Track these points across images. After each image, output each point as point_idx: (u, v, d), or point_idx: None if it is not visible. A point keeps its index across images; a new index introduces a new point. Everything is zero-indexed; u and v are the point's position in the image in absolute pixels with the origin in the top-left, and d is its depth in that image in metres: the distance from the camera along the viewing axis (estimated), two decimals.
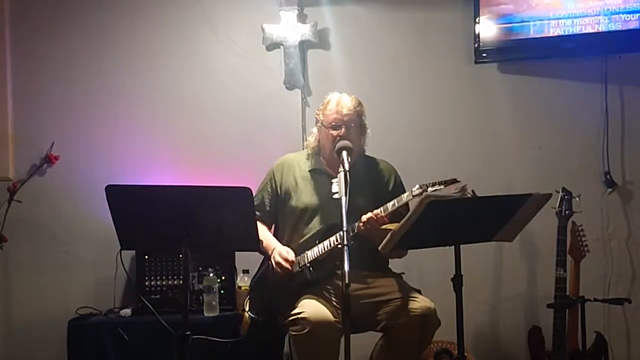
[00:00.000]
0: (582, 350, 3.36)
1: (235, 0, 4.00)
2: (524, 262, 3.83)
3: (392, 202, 2.87)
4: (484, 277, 3.83)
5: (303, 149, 3.42)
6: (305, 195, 3.14)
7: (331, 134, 3.06)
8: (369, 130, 3.16)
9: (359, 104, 3.13)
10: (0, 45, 3.94)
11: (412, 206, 2.80)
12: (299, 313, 2.87)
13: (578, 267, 3.41)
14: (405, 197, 2.85)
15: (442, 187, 2.74)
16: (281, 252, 3.03)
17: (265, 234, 3.14)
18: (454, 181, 2.74)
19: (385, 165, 3.23)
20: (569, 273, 3.38)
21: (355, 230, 2.88)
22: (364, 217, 2.87)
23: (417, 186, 2.80)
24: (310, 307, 2.89)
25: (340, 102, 3.10)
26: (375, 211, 2.87)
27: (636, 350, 3.75)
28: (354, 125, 3.09)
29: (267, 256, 3.12)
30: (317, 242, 3.01)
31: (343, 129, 3.05)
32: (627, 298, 3.52)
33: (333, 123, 3.07)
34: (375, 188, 3.11)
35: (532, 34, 3.73)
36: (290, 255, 3.02)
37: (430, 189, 2.75)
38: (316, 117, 3.19)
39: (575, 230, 3.43)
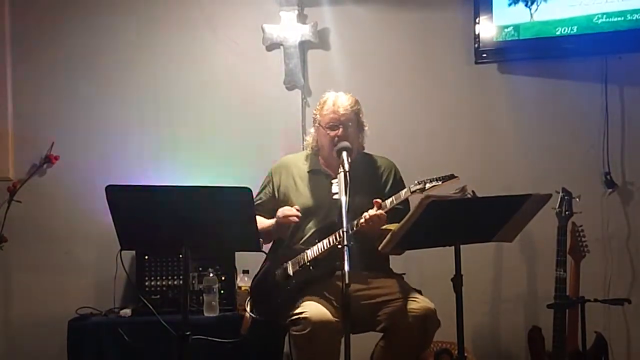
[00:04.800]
0: (582, 351, 3.35)
1: (235, 0, 4.00)
2: (524, 262, 3.83)
3: (390, 199, 2.87)
4: (484, 277, 3.83)
5: (303, 149, 3.42)
6: (304, 196, 3.14)
7: (329, 134, 3.07)
8: (366, 128, 3.16)
9: (356, 102, 3.13)
10: (0, 45, 3.94)
11: (412, 202, 2.80)
12: (300, 313, 2.87)
13: (578, 268, 3.41)
14: (403, 193, 2.85)
15: (440, 182, 2.74)
16: (283, 210, 3.05)
17: (261, 223, 3.10)
18: (452, 177, 2.73)
19: (384, 161, 3.23)
20: (569, 273, 3.38)
21: (355, 228, 2.88)
22: (366, 215, 2.87)
23: (415, 182, 2.80)
24: (311, 308, 2.89)
25: (337, 102, 3.10)
26: (372, 210, 2.86)
27: (636, 350, 3.75)
28: (352, 124, 3.09)
29: (273, 232, 3.12)
30: (316, 241, 3.02)
31: (340, 129, 3.05)
32: (627, 298, 3.51)
33: (330, 123, 3.07)
34: (375, 186, 3.10)
35: (532, 34, 3.73)
36: (290, 208, 3.05)
37: (428, 184, 2.75)
38: (314, 117, 3.19)
39: (575, 231, 3.43)
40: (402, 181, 3.17)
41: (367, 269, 3.02)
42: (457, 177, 2.73)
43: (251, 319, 3.15)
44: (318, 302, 2.93)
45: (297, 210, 3.05)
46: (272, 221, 3.12)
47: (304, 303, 2.93)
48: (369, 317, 2.94)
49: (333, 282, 2.98)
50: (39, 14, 3.99)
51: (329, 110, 3.09)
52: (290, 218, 3.03)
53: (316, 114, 3.17)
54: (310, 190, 3.15)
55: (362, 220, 2.87)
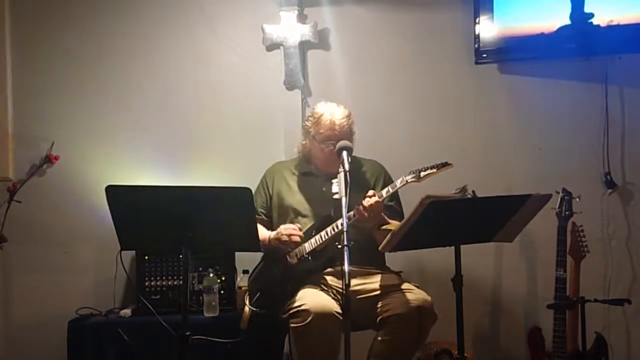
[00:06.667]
0: (582, 351, 3.35)
1: (235, 0, 4.00)
2: (524, 263, 3.83)
3: (386, 189, 2.94)
4: (484, 277, 3.83)
5: None
6: (297, 194, 3.24)
7: (325, 150, 3.12)
8: (356, 132, 3.21)
9: (350, 114, 3.20)
10: (0, 45, 3.94)
11: (412, 200, 2.81)
12: (300, 305, 2.90)
13: (578, 268, 3.40)
14: (398, 183, 2.91)
15: (435, 170, 2.81)
16: (286, 228, 3.08)
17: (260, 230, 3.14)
18: (446, 164, 2.80)
19: (372, 165, 3.28)
20: (569, 273, 3.38)
21: (352, 218, 2.91)
22: (365, 203, 2.90)
23: (410, 172, 2.86)
24: (311, 298, 2.92)
25: (334, 118, 3.15)
26: (367, 200, 2.90)
27: (636, 350, 3.75)
28: (346, 135, 3.13)
29: (266, 250, 3.16)
30: (313, 232, 3.07)
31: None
32: (627, 299, 3.52)
33: (327, 140, 3.12)
34: (361, 190, 3.06)
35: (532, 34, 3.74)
36: (294, 226, 3.09)
37: (423, 173, 2.83)
38: (307, 129, 3.23)
39: (575, 231, 3.43)
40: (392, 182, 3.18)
41: (362, 264, 3.05)
42: (450, 164, 2.81)
43: (250, 313, 3.16)
44: (317, 292, 2.99)
45: (299, 229, 3.09)
46: (271, 234, 3.16)
47: (303, 294, 2.96)
48: (367, 313, 2.97)
49: (329, 275, 3.03)
50: (39, 14, 3.98)
51: (325, 127, 3.14)
52: (293, 238, 3.06)
53: (310, 128, 3.21)
54: (303, 188, 3.24)
55: (360, 207, 2.89)
